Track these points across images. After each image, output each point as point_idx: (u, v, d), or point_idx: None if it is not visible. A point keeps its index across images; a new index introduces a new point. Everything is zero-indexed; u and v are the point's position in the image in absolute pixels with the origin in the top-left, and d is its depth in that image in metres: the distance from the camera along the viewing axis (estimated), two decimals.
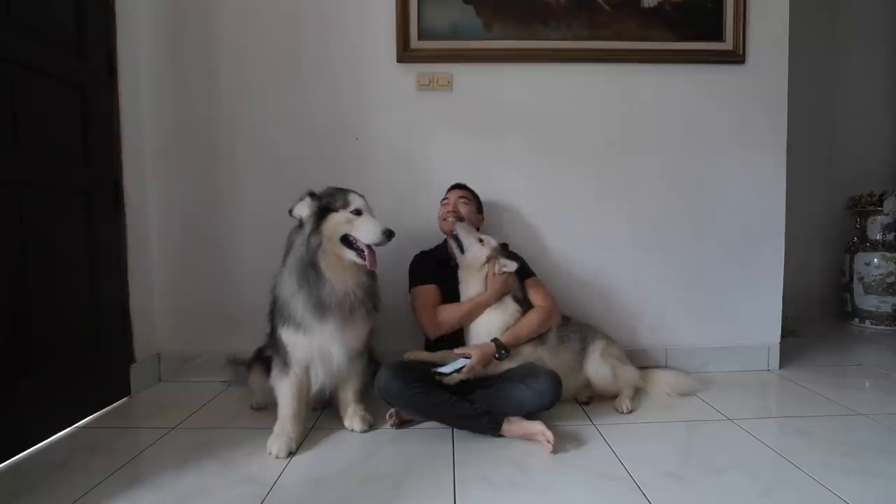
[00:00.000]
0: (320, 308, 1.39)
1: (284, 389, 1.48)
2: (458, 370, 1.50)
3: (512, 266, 1.67)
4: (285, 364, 1.48)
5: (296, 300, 1.40)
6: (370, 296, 1.50)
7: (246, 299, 2.00)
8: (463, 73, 2.03)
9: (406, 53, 2.00)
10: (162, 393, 1.92)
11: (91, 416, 1.67)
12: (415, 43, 2.00)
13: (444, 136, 2.05)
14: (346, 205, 1.43)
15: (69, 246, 1.61)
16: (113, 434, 1.56)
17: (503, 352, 1.56)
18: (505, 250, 1.77)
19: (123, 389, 1.84)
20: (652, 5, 2.04)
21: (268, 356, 1.60)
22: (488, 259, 1.67)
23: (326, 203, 1.43)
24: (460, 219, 1.76)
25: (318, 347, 1.44)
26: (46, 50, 1.54)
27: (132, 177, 1.90)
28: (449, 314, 1.67)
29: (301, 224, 1.43)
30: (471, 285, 1.68)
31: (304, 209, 1.42)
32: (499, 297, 1.65)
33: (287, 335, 1.44)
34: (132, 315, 1.89)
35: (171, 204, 2.02)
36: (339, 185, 1.51)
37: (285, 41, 2.01)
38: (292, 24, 2.00)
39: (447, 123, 2.04)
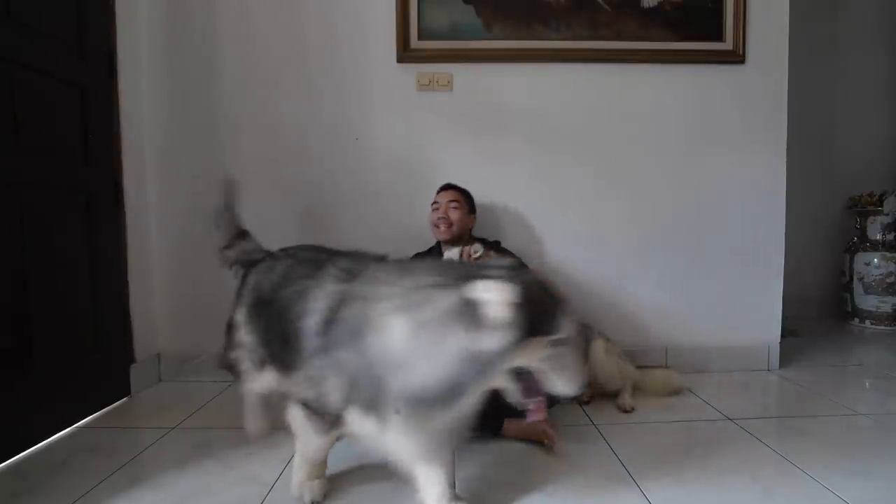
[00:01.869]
0: None
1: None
2: None
3: (478, 248, 1.68)
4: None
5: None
6: None
7: None
8: (463, 73, 2.03)
9: (406, 53, 2.00)
10: (162, 393, 1.92)
11: (91, 416, 1.67)
12: (415, 43, 2.00)
13: (445, 136, 2.05)
14: (552, 329, 0.89)
15: (69, 246, 1.61)
16: (113, 434, 1.55)
17: None
18: (497, 247, 1.79)
19: (123, 389, 1.84)
20: (652, 5, 2.04)
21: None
22: (461, 254, 1.68)
23: (534, 316, 0.85)
24: (450, 225, 1.77)
25: None
26: (46, 50, 1.54)
27: (132, 177, 1.90)
28: None
29: (473, 313, 0.83)
30: None
31: (497, 305, 0.82)
32: None
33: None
34: (132, 315, 1.89)
35: (171, 204, 2.02)
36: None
37: (285, 42, 2.01)
38: (292, 25, 2.01)
39: (447, 123, 2.04)
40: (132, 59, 1.91)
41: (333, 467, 1.31)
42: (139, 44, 1.95)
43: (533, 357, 0.89)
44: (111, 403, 1.77)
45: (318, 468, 1.22)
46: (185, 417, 1.66)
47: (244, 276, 1.34)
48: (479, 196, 1.94)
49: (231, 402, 1.80)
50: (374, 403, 0.93)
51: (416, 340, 0.87)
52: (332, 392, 0.99)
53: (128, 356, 1.88)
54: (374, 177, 2.03)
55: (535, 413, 0.98)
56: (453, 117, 2.04)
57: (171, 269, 2.03)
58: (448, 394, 0.88)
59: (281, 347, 1.11)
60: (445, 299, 0.87)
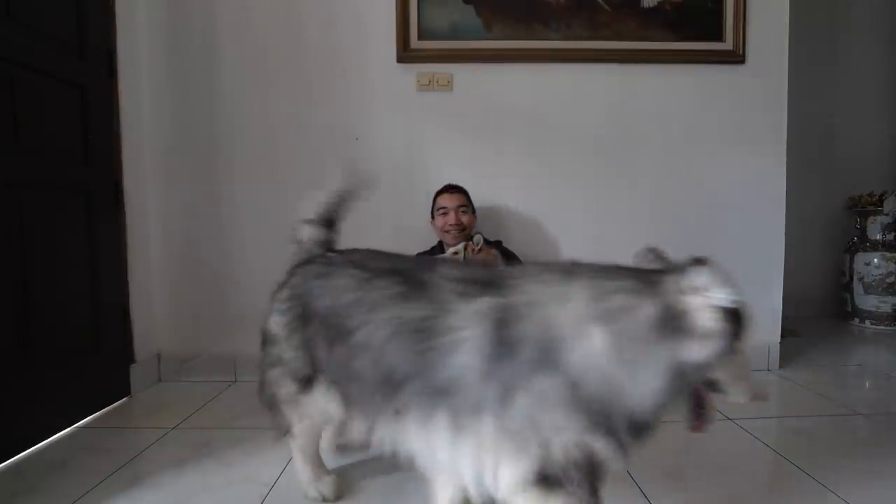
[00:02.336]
0: None
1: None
2: None
3: (479, 239, 1.70)
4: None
5: None
6: None
7: (246, 299, 2.00)
8: (463, 73, 2.03)
9: (406, 53, 2.00)
10: (162, 393, 1.92)
11: (91, 416, 1.67)
12: (415, 43, 2.00)
13: (444, 136, 2.05)
14: (744, 334, 0.83)
15: (69, 246, 1.61)
16: (113, 434, 1.56)
17: None
18: (499, 247, 1.80)
19: (123, 389, 1.84)
20: (652, 5, 2.04)
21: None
22: (465, 248, 1.69)
23: (738, 321, 0.77)
24: (463, 230, 1.78)
25: None
26: (46, 50, 1.54)
27: (132, 177, 1.90)
28: None
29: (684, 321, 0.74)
30: None
31: (709, 310, 0.74)
32: None
33: None
34: (132, 315, 1.89)
35: (172, 204, 2.02)
36: None
37: (285, 41, 2.01)
38: (292, 25, 2.00)
39: (447, 123, 2.05)
40: (132, 59, 1.91)
41: (334, 462, 1.32)
42: (139, 44, 1.95)
43: (721, 365, 0.77)
44: (111, 403, 1.77)
45: (321, 464, 1.22)
46: (184, 417, 1.66)
47: (290, 273, 1.15)
48: (479, 196, 1.94)
49: (231, 403, 1.80)
50: (603, 428, 0.75)
51: (621, 355, 0.73)
52: (544, 433, 0.75)
53: (128, 356, 1.88)
54: (373, 177, 2.03)
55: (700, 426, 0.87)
56: (453, 117, 2.04)
57: (171, 269, 2.03)
58: (652, 415, 0.76)
59: (375, 391, 0.90)
60: (648, 306, 0.75)
